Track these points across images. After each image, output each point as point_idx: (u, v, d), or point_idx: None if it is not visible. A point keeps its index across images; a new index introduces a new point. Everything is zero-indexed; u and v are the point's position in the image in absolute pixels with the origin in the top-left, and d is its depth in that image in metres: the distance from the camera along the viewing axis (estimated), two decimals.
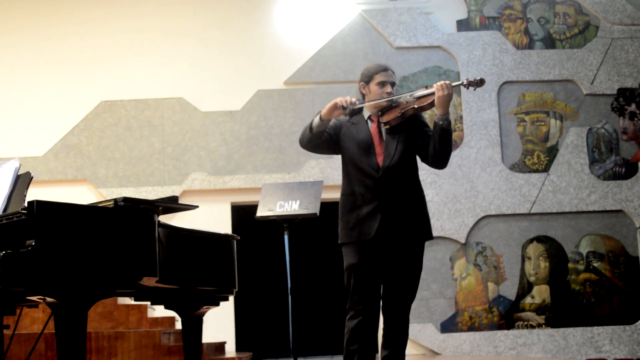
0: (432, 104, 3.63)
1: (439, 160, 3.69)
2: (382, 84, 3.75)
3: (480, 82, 3.54)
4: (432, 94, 3.61)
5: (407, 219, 3.65)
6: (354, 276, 3.65)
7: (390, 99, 3.72)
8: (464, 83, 3.56)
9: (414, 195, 3.70)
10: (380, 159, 3.68)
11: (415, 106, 3.65)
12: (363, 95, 3.81)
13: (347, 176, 3.77)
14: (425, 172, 7.74)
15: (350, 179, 3.75)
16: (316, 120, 3.70)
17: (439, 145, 3.62)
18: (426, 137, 3.73)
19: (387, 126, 3.71)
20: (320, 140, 3.77)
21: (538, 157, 7.98)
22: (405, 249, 3.66)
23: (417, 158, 3.80)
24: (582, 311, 7.74)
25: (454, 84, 3.57)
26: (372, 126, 3.79)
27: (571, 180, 7.90)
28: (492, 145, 7.90)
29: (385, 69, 3.78)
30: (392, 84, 3.77)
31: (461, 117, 7.96)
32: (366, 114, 3.84)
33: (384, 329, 3.73)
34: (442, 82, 3.55)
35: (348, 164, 3.76)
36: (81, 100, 7.83)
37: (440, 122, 3.57)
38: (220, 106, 7.91)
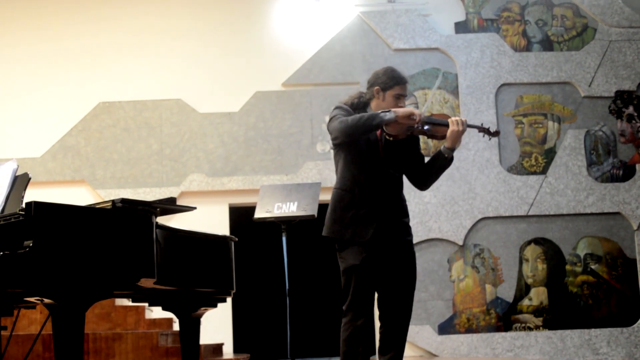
0: (444, 136, 3.62)
1: (427, 185, 3.83)
2: (397, 97, 3.70)
3: (495, 133, 3.70)
4: (447, 125, 3.60)
5: (399, 225, 3.71)
6: (355, 277, 3.61)
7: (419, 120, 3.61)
8: (482, 128, 3.69)
9: (402, 203, 3.78)
10: (382, 165, 3.69)
11: (427, 129, 3.61)
12: (369, 99, 3.74)
13: (348, 172, 3.70)
14: None
15: (351, 176, 3.69)
16: (390, 116, 3.50)
17: (435, 173, 3.75)
18: (418, 158, 3.82)
19: (391, 138, 3.64)
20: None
21: (536, 159, 7.98)
22: (400, 255, 3.69)
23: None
24: (580, 313, 7.74)
25: (469, 124, 3.62)
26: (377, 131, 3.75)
27: (569, 183, 7.91)
28: (489, 148, 7.90)
29: (405, 82, 3.74)
30: (405, 98, 3.78)
31: None
32: None
33: (382, 335, 3.72)
34: (458, 118, 3.58)
35: (352, 161, 3.69)
36: (79, 101, 7.82)
37: (446, 155, 3.65)
38: (219, 107, 7.91)
